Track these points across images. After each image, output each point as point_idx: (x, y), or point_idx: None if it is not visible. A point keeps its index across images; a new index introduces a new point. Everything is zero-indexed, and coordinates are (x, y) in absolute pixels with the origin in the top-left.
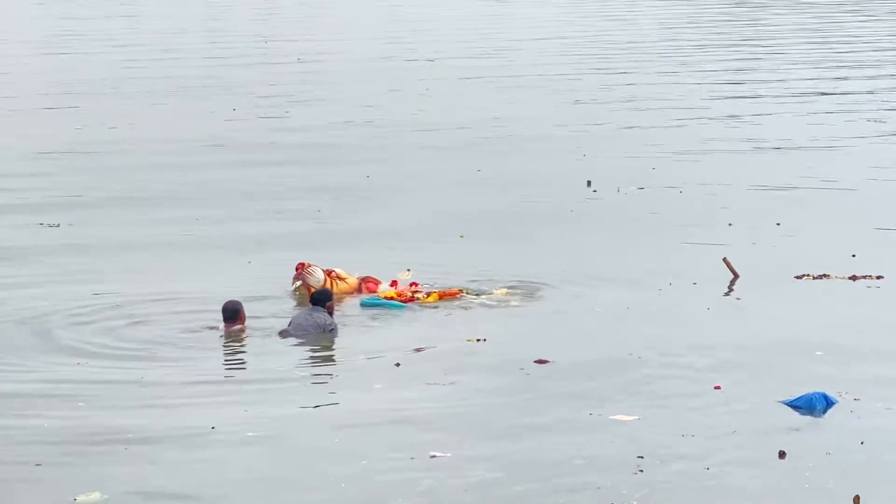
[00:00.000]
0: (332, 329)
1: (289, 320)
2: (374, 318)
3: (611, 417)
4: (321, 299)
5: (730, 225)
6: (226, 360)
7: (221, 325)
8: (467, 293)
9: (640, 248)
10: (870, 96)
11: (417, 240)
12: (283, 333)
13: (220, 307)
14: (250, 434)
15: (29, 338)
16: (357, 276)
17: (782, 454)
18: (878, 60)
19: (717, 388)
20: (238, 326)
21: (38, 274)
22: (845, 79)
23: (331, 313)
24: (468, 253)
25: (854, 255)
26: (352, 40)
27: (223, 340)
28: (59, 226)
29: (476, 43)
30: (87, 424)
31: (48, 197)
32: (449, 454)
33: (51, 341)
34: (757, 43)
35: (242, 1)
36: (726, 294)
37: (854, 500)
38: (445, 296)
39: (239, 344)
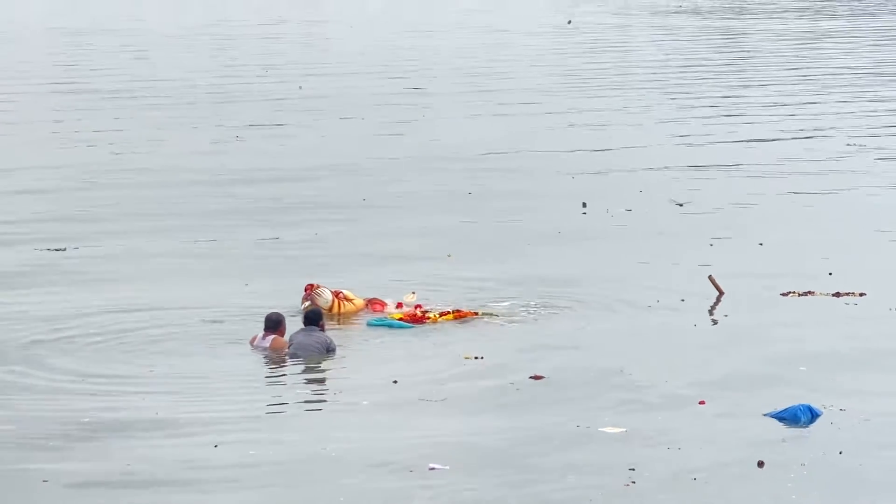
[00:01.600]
0: (333, 346)
1: (288, 342)
2: (376, 337)
3: (600, 430)
4: (315, 319)
5: (711, 245)
6: (238, 374)
7: (261, 333)
8: (482, 314)
9: (629, 267)
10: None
11: (410, 259)
12: (290, 355)
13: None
14: (252, 452)
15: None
16: (363, 297)
17: (761, 464)
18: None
19: (702, 402)
20: (271, 337)
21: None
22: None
23: (322, 331)
24: (461, 273)
25: (831, 274)
26: (352, 67)
27: (244, 354)
28: (65, 249)
29: (472, 70)
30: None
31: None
32: (447, 466)
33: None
34: (740, 72)
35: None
36: (712, 311)
37: None
38: (460, 316)
39: (256, 358)
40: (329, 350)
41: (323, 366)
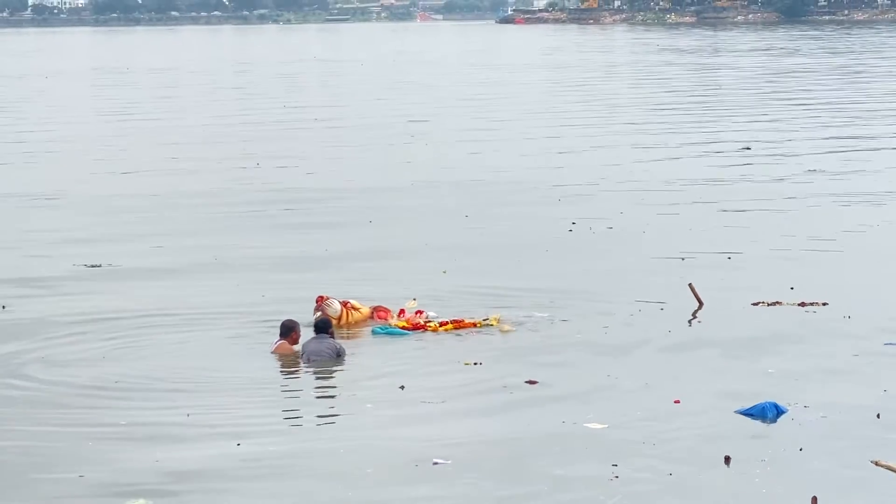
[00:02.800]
0: (343, 351)
1: (301, 350)
2: (383, 344)
3: (585, 426)
4: (324, 327)
5: (682, 259)
6: (255, 378)
7: (277, 339)
8: (480, 324)
9: (612, 280)
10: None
11: (412, 272)
12: (305, 362)
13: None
14: (271, 449)
15: None
16: (369, 306)
17: (727, 459)
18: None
19: (677, 401)
20: (280, 342)
21: None
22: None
23: (332, 337)
24: (458, 286)
25: (792, 288)
26: (360, 102)
27: (261, 359)
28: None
29: (472, 102)
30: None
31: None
32: (450, 461)
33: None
34: (712, 109)
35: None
36: (689, 319)
37: (812, 500)
38: (460, 326)
39: (271, 364)
40: (339, 355)
41: (334, 371)
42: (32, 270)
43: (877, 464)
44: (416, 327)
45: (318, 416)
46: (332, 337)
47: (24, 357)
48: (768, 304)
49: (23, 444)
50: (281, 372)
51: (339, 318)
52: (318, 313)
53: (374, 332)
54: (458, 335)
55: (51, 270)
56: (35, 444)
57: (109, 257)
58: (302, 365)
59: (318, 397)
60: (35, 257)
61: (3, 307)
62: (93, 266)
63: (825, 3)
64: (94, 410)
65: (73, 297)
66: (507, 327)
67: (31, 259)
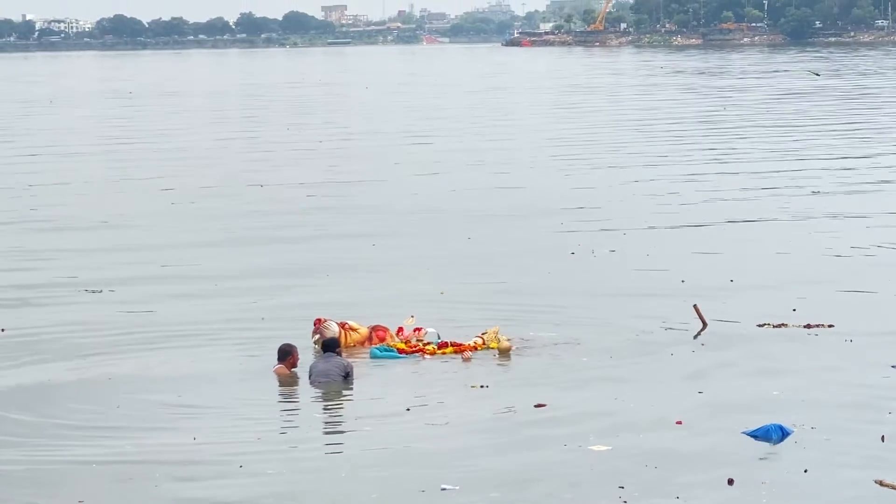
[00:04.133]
0: (350, 369)
1: (308, 371)
2: (386, 366)
3: (589, 448)
4: (332, 346)
5: (683, 282)
6: (255, 402)
7: (276, 364)
8: (480, 347)
9: (615, 302)
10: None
11: (412, 293)
12: (313, 383)
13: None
14: (270, 472)
15: None
16: (367, 325)
17: (731, 481)
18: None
19: (679, 422)
20: (278, 366)
21: None
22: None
23: (340, 356)
24: (458, 308)
25: (795, 310)
26: (371, 125)
27: (268, 381)
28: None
29: (481, 126)
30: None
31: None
32: (458, 487)
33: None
34: (720, 139)
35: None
36: (695, 340)
37: None
38: (460, 350)
39: (271, 387)
40: (347, 374)
41: (337, 394)
42: (31, 292)
43: (881, 483)
44: (414, 350)
45: (322, 440)
46: (340, 356)
47: (25, 380)
48: (774, 326)
49: (24, 468)
50: (280, 395)
51: (338, 339)
52: (318, 336)
53: (372, 355)
54: (464, 356)
55: (51, 293)
56: (37, 469)
57: (110, 282)
58: (301, 386)
59: (322, 421)
60: (34, 277)
61: (3, 330)
62: (94, 291)
63: (826, 25)
64: (97, 435)
65: (73, 317)
66: (504, 341)
67: (29, 279)
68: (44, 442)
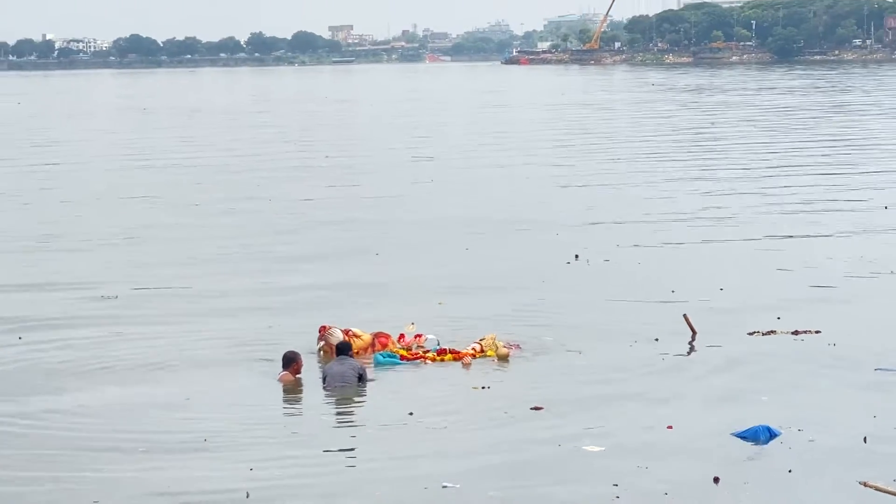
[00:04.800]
0: (364, 371)
1: (322, 374)
2: (389, 371)
3: (583, 448)
4: (346, 349)
5: (673, 291)
6: (262, 406)
7: (280, 371)
8: (478, 355)
9: (609, 309)
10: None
11: (413, 301)
12: (329, 386)
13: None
14: (281, 472)
15: None
16: (370, 332)
17: (716, 480)
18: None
19: (670, 427)
20: (283, 373)
21: None
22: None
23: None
24: (458, 315)
25: (779, 318)
26: (373, 142)
27: (268, 388)
28: (116, 297)
29: (479, 141)
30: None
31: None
32: (458, 485)
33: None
34: (709, 152)
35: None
36: (686, 347)
37: None
38: (459, 357)
39: (277, 393)
40: (361, 377)
41: (342, 398)
42: (45, 310)
43: (865, 485)
44: (415, 357)
45: (327, 442)
46: (353, 358)
47: (35, 400)
48: (763, 334)
49: (42, 487)
50: (286, 400)
51: (350, 343)
52: (322, 342)
53: (376, 362)
54: (466, 362)
55: (64, 309)
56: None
57: (122, 294)
58: (308, 389)
59: (326, 424)
60: (49, 295)
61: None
62: (106, 298)
63: (811, 44)
64: (111, 437)
65: (84, 333)
66: (502, 347)
67: (44, 298)
68: (58, 452)
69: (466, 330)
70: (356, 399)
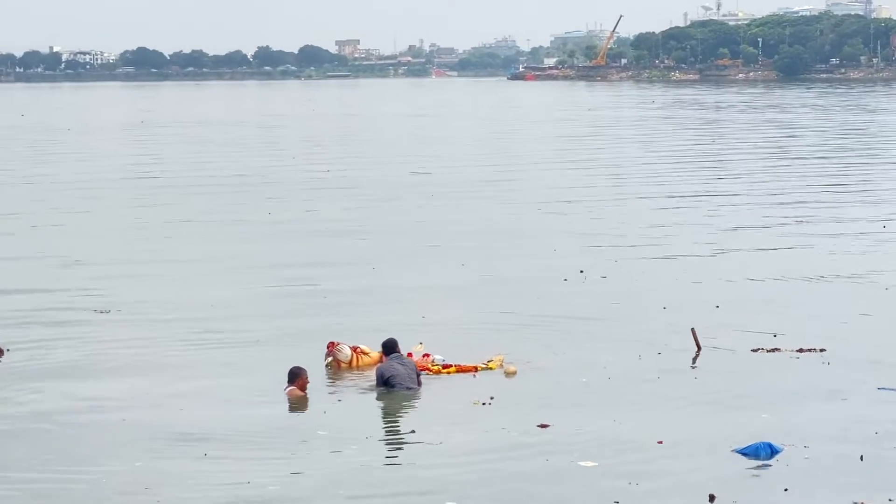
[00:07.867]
0: (417, 369)
1: (381, 373)
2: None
3: (579, 464)
4: (393, 346)
5: (664, 308)
6: (265, 419)
7: (286, 385)
8: (481, 368)
9: (608, 325)
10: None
11: (414, 318)
12: (397, 388)
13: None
14: (272, 488)
15: None
16: (377, 350)
17: (712, 497)
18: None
19: (660, 442)
20: (289, 388)
21: None
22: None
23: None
24: (459, 330)
25: (775, 335)
26: (375, 158)
27: (272, 402)
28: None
29: (476, 156)
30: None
31: None
32: None
33: None
34: (712, 165)
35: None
36: (691, 363)
37: None
38: (462, 370)
39: (283, 407)
40: (419, 375)
41: (345, 412)
42: (49, 316)
43: None
44: (421, 369)
45: (328, 457)
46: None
47: (41, 403)
48: (767, 351)
49: (48, 486)
50: (292, 413)
51: (350, 363)
52: (330, 358)
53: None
54: (467, 376)
55: (67, 315)
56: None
57: (121, 303)
58: (312, 406)
59: (327, 439)
60: (52, 301)
61: (8, 349)
62: (102, 312)
63: (818, 62)
64: (117, 453)
65: (86, 338)
66: (511, 368)
67: (49, 304)
68: (60, 460)
69: (467, 347)
70: (355, 414)
